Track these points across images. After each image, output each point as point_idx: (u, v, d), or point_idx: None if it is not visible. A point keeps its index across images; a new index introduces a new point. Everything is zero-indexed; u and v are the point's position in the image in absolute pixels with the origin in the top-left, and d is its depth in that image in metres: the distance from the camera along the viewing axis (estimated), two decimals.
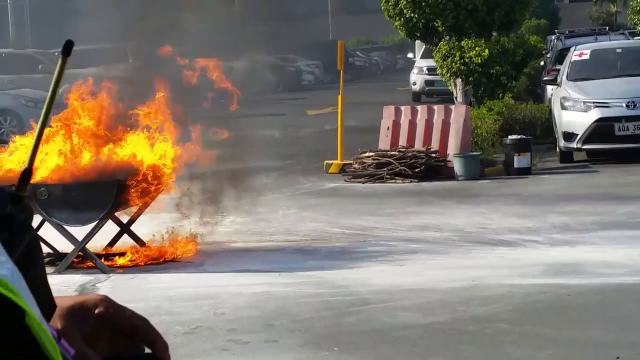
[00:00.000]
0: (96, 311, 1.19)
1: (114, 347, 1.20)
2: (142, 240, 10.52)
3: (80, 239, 9.80)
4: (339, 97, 17.57)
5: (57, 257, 10.12)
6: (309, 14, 54.98)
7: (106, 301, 1.20)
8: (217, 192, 11.20)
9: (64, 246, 10.07)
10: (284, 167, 17.65)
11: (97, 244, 10.33)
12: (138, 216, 10.63)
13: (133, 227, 10.70)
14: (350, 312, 7.90)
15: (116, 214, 10.33)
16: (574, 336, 6.98)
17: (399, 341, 7.10)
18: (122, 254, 10.27)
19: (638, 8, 21.39)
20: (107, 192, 9.74)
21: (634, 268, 8.85)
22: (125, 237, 10.68)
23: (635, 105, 16.26)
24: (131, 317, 1.20)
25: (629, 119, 16.19)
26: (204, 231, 10.85)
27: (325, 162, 17.12)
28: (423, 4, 19.45)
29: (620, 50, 18.73)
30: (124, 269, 9.92)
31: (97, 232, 9.86)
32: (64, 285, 9.24)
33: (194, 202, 11.16)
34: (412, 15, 19.71)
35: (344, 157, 16.83)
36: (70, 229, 9.89)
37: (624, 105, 16.31)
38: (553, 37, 32.40)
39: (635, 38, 25.62)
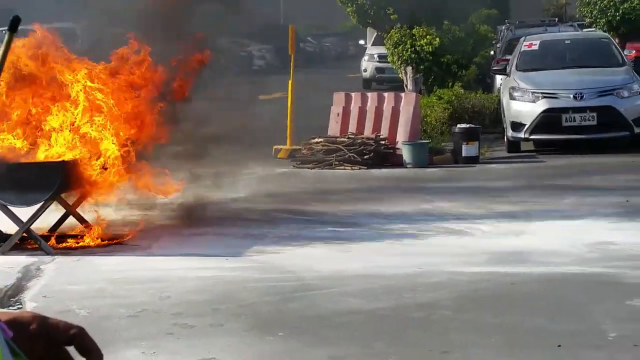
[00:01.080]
0: (30, 328, 1.18)
1: None
2: (88, 222, 10.44)
3: (25, 220, 9.71)
4: (290, 82, 17.55)
5: (1, 238, 10.02)
6: None
7: (39, 318, 1.19)
8: (165, 177, 11.15)
9: (9, 227, 9.97)
10: (233, 151, 17.57)
11: (42, 225, 10.23)
12: (85, 198, 10.55)
13: (79, 209, 10.61)
14: (295, 298, 7.91)
15: (63, 195, 10.24)
16: (517, 324, 7.05)
17: (343, 327, 7.13)
18: (67, 236, 10.19)
19: (586, 0, 21.56)
20: (53, 173, 9.65)
21: (578, 257, 8.95)
22: (71, 219, 10.59)
23: (582, 97, 16.42)
24: (66, 329, 1.19)
25: (576, 110, 16.35)
26: (152, 214, 10.79)
27: (274, 147, 17.10)
28: None
29: (569, 41, 18.90)
30: (70, 250, 9.85)
31: (42, 213, 9.77)
32: (8, 267, 9.16)
33: (143, 185, 11.09)
34: (365, 1, 19.74)
35: (294, 142, 16.83)
36: (15, 210, 9.79)
37: (571, 96, 16.46)
38: (503, 27, 32.59)
39: (584, 30, 25.87)
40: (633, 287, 7.85)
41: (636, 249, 9.18)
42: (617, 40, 20.33)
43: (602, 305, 7.43)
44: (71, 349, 1.24)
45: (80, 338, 1.21)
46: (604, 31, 21.24)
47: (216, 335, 7.01)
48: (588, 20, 22.64)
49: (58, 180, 9.64)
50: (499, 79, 21.17)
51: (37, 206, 9.74)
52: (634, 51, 27.30)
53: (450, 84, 20.79)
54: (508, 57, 20.69)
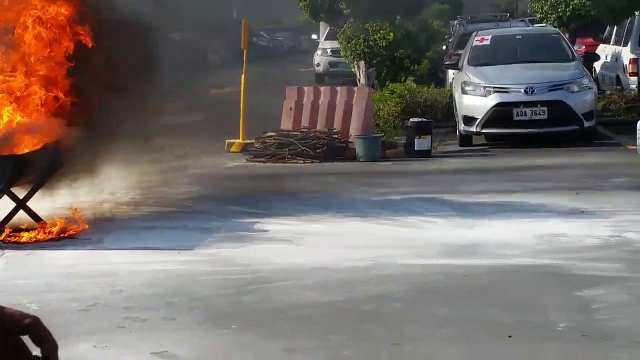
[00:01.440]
0: None
1: (5, 352, 1.19)
2: (38, 216, 10.35)
3: None
4: (242, 76, 17.53)
5: None
6: None
7: None
8: (117, 170, 11.09)
9: None
10: (186, 145, 17.53)
11: None
12: (35, 192, 10.46)
13: (29, 203, 10.52)
14: (249, 291, 7.91)
15: (13, 189, 10.14)
16: (468, 315, 7.11)
17: (297, 320, 7.15)
18: (17, 230, 10.10)
19: None
20: (2, 167, 9.56)
21: (528, 249, 9.03)
22: (21, 213, 10.50)
23: (533, 91, 16.55)
24: (21, 318, 1.20)
25: (527, 104, 16.48)
26: (103, 208, 10.73)
27: (227, 141, 17.07)
28: None
29: (519, 37, 19.04)
30: (20, 245, 9.77)
31: None
32: None
33: (94, 179, 11.03)
34: None
35: (246, 136, 16.81)
36: None
37: (522, 90, 16.59)
38: (455, 22, 32.76)
39: (535, 25, 26.08)
40: (582, 279, 7.94)
41: (585, 241, 9.29)
42: (567, 36, 20.48)
43: (551, 296, 7.51)
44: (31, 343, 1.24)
45: (35, 327, 1.21)
46: (555, 26, 21.40)
47: (168, 328, 7.00)
48: (539, 15, 22.79)
49: (8, 174, 9.55)
50: (451, 73, 21.29)
51: None
52: (584, 46, 27.57)
53: (403, 78, 20.87)
54: (460, 51, 20.80)
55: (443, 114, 18.98)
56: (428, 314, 7.17)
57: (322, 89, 16.82)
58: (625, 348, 6.32)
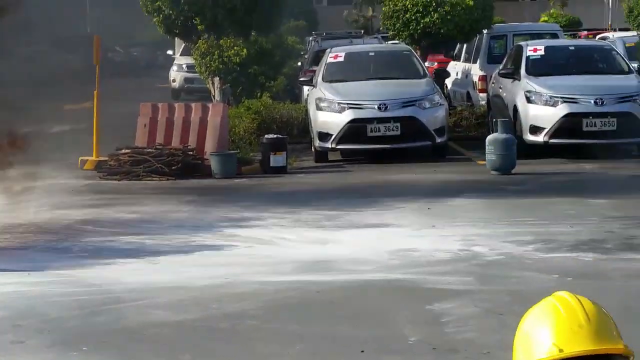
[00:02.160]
0: None
1: None
2: None
3: None
4: (95, 92, 17.29)
5: None
6: (66, 3, 53.59)
7: None
8: None
9: None
10: (37, 162, 17.16)
11: None
12: None
13: None
14: (101, 311, 7.80)
15: None
16: (321, 331, 7.17)
17: (149, 339, 7.09)
18: None
19: (389, 14, 22.13)
20: None
21: (381, 264, 9.17)
22: None
23: (386, 107, 16.81)
24: None
25: (380, 120, 16.72)
26: None
27: (80, 158, 16.79)
28: (182, 1, 19.42)
29: (373, 53, 19.32)
30: None
31: None
32: None
33: None
34: (171, 12, 19.65)
35: (100, 153, 16.57)
36: None
37: (376, 107, 16.82)
38: (311, 38, 33.04)
39: (388, 42, 26.52)
40: (432, 292, 8.10)
41: (436, 255, 9.48)
42: (419, 53, 20.91)
43: (403, 310, 7.64)
44: None
45: None
46: (407, 44, 21.82)
47: (16, 352, 6.85)
48: (391, 33, 23.20)
49: None
50: (306, 89, 21.45)
51: None
52: (436, 63, 28.19)
53: (258, 94, 20.93)
54: (315, 68, 20.97)
55: (299, 130, 19.10)
56: (281, 331, 7.20)
57: (176, 105, 16.74)
58: (472, 359, 6.48)
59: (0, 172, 12.47)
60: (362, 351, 6.65)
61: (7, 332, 7.29)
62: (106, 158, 16.03)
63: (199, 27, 20.36)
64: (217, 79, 20.16)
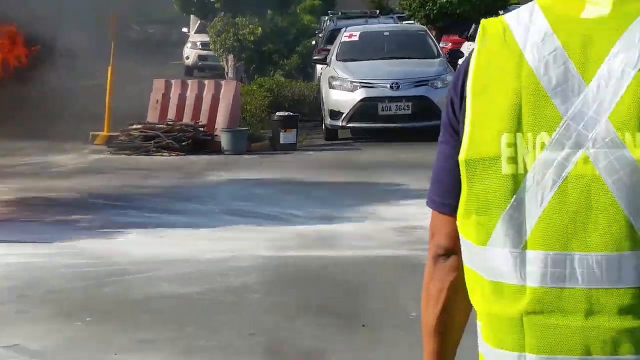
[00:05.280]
0: None
1: None
2: None
3: None
4: (109, 68, 17.33)
5: None
6: None
7: None
8: None
9: None
10: (50, 136, 17.26)
11: None
12: None
13: None
14: (107, 283, 7.85)
15: None
16: (324, 305, 7.20)
17: (155, 311, 7.13)
18: None
19: None
20: None
21: (387, 241, 9.19)
22: None
23: (399, 87, 16.81)
24: None
25: (392, 99, 16.73)
26: None
27: (91, 133, 16.86)
28: None
29: (387, 33, 19.30)
30: None
31: None
32: None
33: None
34: None
35: (112, 129, 16.62)
36: None
37: (388, 86, 16.83)
38: (327, 18, 32.98)
39: (403, 23, 26.48)
40: None
41: None
42: (434, 34, 20.89)
43: (406, 286, 7.66)
44: None
45: None
46: (423, 24, 21.78)
47: (22, 322, 6.90)
48: (407, 13, 23.17)
49: None
50: (319, 68, 21.44)
51: None
52: (450, 44, 28.11)
53: (272, 72, 20.95)
54: (330, 47, 20.97)
55: (311, 109, 19.12)
56: (285, 305, 7.24)
57: (189, 82, 16.77)
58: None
59: (13, 144, 12.56)
60: (364, 325, 6.68)
61: (12, 302, 7.35)
62: (117, 134, 16.09)
63: (216, 5, 20.38)
64: (231, 56, 20.19)
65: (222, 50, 20.52)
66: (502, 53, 1.87)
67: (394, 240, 9.25)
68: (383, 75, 17.09)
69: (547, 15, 1.87)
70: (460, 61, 24.36)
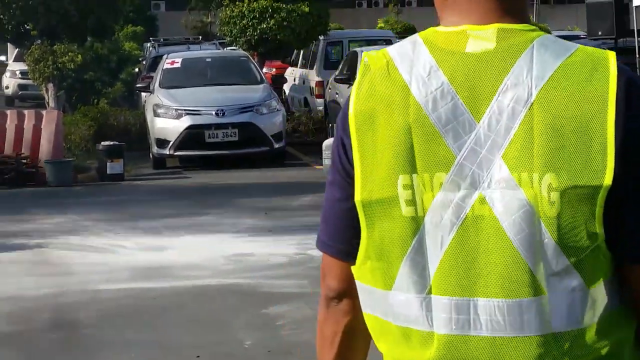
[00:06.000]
0: None
1: None
2: None
3: None
4: None
5: None
6: None
7: None
8: None
9: None
10: None
11: None
12: None
13: None
14: None
15: None
16: (157, 338, 7.16)
17: None
18: None
19: (227, 20, 22.17)
20: None
21: (217, 270, 9.21)
22: None
23: (224, 113, 16.86)
24: None
25: (218, 126, 16.76)
26: None
27: None
28: (13, 5, 19.00)
29: (209, 59, 19.34)
30: None
31: None
32: None
33: None
34: (2, 17, 19.20)
35: None
36: None
37: (213, 113, 16.86)
38: (149, 44, 32.77)
39: (226, 48, 26.57)
40: (268, 296, 8.19)
41: (271, 259, 9.58)
42: (256, 59, 21.05)
43: (239, 315, 7.70)
44: None
45: None
46: (244, 50, 21.91)
47: None
48: (229, 39, 23.25)
49: None
50: (144, 96, 21.30)
51: None
52: (274, 69, 28.38)
53: (95, 101, 20.67)
54: (153, 74, 20.85)
55: (137, 137, 18.95)
56: (117, 340, 7.16)
57: (8, 112, 16.38)
58: None
59: None
60: (198, 356, 6.67)
61: None
62: None
63: (32, 32, 19.99)
64: (51, 85, 19.82)
65: (41, 79, 20.12)
66: (387, 87, 1.78)
67: (223, 268, 9.27)
68: (208, 101, 17.11)
69: (431, 50, 1.78)
70: (285, 86, 24.54)
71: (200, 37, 33.16)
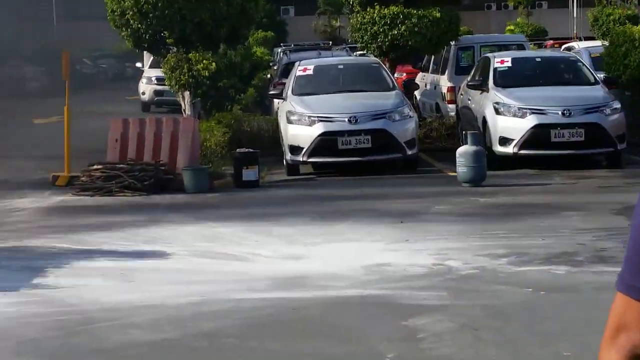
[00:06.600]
0: None
1: None
2: None
3: None
4: (65, 107, 17.26)
5: None
6: (36, 18, 53.59)
7: None
8: None
9: None
10: (8, 178, 17.16)
11: None
12: None
13: None
14: (77, 332, 7.82)
15: None
16: (298, 349, 7.23)
17: (127, 359, 7.12)
18: None
19: (357, 26, 22.24)
20: None
21: (355, 280, 9.24)
22: None
23: (357, 120, 16.92)
24: None
25: (351, 133, 16.82)
26: None
27: (51, 174, 16.77)
28: (150, 15, 19.41)
29: (342, 66, 19.44)
30: None
31: None
32: None
33: None
34: (140, 26, 19.64)
35: (72, 169, 16.55)
36: None
37: (346, 119, 16.94)
38: (279, 50, 33.14)
39: (356, 54, 26.67)
40: (408, 308, 8.18)
41: (410, 270, 9.56)
42: (387, 65, 21.05)
43: (379, 326, 7.71)
44: None
45: None
46: (375, 56, 21.95)
47: None
48: (360, 45, 23.34)
49: None
50: (276, 102, 21.53)
51: None
52: (405, 74, 28.33)
53: (229, 107, 20.98)
54: (285, 80, 21.07)
55: (270, 142, 19.18)
56: (258, 349, 7.25)
57: (147, 120, 16.75)
58: None
59: None
60: None
61: None
62: (78, 174, 16.02)
63: (167, 40, 20.38)
64: (187, 92, 20.18)
65: (177, 86, 20.51)
66: None
67: (362, 279, 9.29)
68: (340, 108, 17.20)
69: None
70: (416, 92, 24.48)
71: (330, 42, 33.37)
